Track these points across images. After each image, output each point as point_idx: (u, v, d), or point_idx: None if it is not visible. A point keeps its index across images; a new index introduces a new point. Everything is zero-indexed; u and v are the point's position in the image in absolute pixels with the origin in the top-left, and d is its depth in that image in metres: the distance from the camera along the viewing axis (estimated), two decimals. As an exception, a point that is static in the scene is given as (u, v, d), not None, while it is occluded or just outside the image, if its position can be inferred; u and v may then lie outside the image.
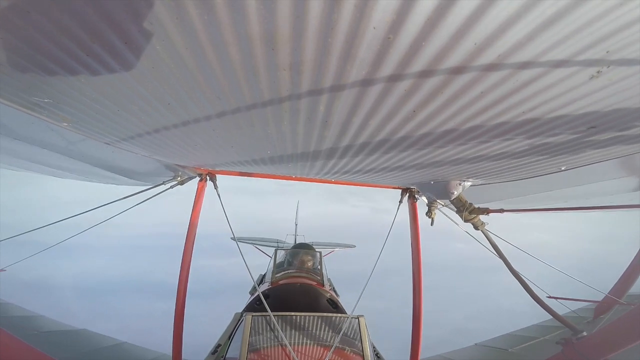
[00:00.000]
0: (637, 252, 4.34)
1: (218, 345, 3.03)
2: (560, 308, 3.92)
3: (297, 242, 8.49)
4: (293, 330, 2.65)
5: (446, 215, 3.66)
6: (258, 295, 3.20)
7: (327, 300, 3.62)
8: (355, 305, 3.21)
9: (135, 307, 23.13)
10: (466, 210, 2.87)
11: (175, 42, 0.98)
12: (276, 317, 2.63)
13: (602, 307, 4.33)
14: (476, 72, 1.06)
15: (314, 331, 2.68)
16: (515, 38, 0.90)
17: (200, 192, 3.76)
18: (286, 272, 4.56)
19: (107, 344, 4.32)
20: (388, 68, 1.06)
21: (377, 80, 1.14)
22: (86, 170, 3.53)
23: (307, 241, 9.03)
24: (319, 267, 4.89)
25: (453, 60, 1.00)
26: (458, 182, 2.78)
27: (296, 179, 3.73)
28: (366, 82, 1.16)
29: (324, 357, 2.44)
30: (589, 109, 1.28)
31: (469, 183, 2.81)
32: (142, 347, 4.64)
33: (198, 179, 3.74)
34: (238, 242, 3.60)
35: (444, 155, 1.98)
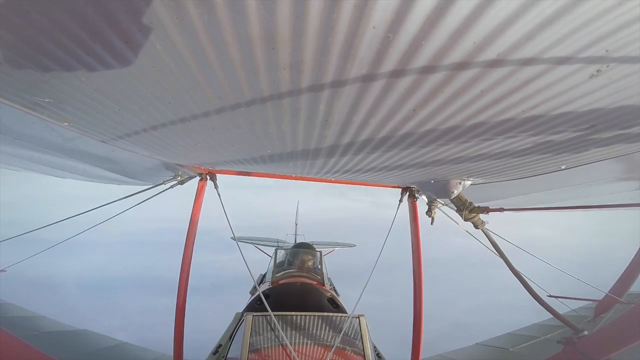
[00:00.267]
0: (637, 250, 4.33)
1: (219, 346, 3.03)
2: (561, 307, 3.93)
3: (297, 242, 8.50)
4: (294, 330, 2.65)
5: (446, 214, 3.67)
6: (258, 295, 3.20)
7: (327, 299, 3.63)
8: (356, 305, 3.22)
9: (138, 303, 23.27)
10: (466, 209, 2.87)
11: (175, 41, 0.98)
12: (277, 317, 2.63)
13: (602, 306, 4.33)
14: (476, 71, 1.07)
15: (314, 331, 2.68)
16: (514, 37, 0.90)
17: (200, 191, 3.77)
18: (286, 271, 4.57)
19: (107, 344, 4.33)
20: (388, 67, 1.06)
21: (377, 80, 1.14)
22: (86, 170, 3.54)
23: (307, 241, 9.04)
24: (319, 266, 4.89)
25: (452, 59, 1.01)
26: (458, 181, 2.78)
27: (296, 178, 3.73)
28: (366, 81, 1.16)
29: (324, 357, 2.44)
30: (590, 107, 1.28)
31: (469, 182, 2.81)
32: (143, 348, 4.66)
33: (198, 178, 3.75)
34: (238, 242, 3.61)
35: (445, 154, 1.98)
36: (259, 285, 4.31)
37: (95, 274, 25.33)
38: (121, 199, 3.67)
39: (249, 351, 2.43)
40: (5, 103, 1.55)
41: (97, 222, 3.81)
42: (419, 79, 1.13)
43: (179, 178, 3.74)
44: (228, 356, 2.79)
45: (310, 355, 2.48)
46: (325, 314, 2.85)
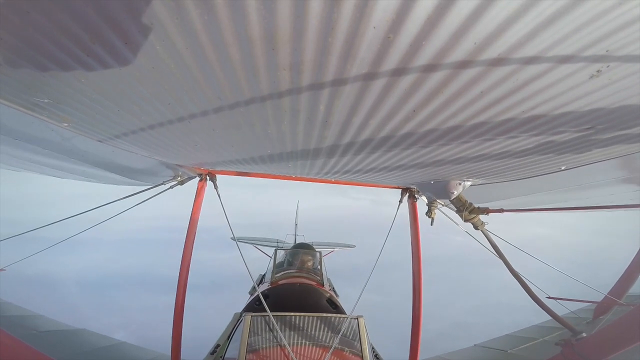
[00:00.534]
0: (636, 252, 4.33)
1: (217, 346, 3.02)
2: (560, 308, 3.92)
3: (297, 242, 8.50)
4: (292, 331, 2.65)
5: (446, 215, 3.67)
6: (257, 295, 3.19)
7: (326, 300, 3.62)
8: (356, 304, 3.21)
9: (138, 300, 23.29)
10: (466, 210, 2.87)
11: (175, 42, 0.98)
12: (275, 318, 2.62)
13: (601, 308, 4.33)
14: (476, 71, 1.07)
15: (313, 332, 2.67)
16: (514, 37, 0.90)
17: (200, 191, 3.77)
18: (286, 272, 4.56)
19: (105, 343, 4.32)
20: (388, 67, 1.06)
21: (378, 80, 1.14)
22: (86, 170, 3.54)
23: (307, 241, 9.05)
24: (318, 267, 4.89)
25: (453, 59, 1.00)
26: (458, 181, 2.78)
27: (296, 178, 3.73)
28: (366, 82, 1.16)
29: (322, 357, 2.43)
30: (590, 107, 1.28)
31: (469, 183, 2.81)
32: (141, 347, 4.65)
33: (198, 178, 3.75)
34: (238, 242, 3.61)
35: (445, 155, 1.98)
36: (258, 286, 4.30)
37: (96, 272, 25.36)
38: (121, 198, 3.68)
39: (247, 351, 2.42)
40: (4, 104, 1.55)
41: (98, 222, 3.81)
42: (420, 79, 1.12)
43: (179, 178, 3.75)
44: (226, 356, 2.78)
45: (308, 356, 2.47)
46: (324, 314, 2.85)
